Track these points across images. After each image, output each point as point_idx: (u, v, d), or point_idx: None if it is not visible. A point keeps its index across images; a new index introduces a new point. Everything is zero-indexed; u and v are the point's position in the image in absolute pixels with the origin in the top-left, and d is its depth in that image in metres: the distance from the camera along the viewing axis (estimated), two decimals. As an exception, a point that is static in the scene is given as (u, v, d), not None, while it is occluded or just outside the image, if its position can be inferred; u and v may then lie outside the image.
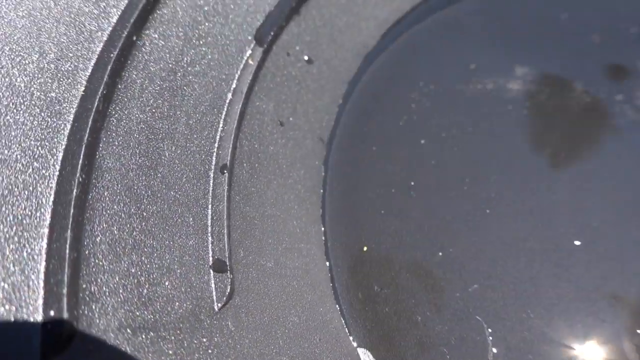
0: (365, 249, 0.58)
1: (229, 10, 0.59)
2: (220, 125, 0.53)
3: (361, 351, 0.52)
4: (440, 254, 0.57)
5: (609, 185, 0.60)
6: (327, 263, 0.57)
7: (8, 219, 0.34)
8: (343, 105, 0.70)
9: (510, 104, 0.67)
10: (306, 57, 0.67)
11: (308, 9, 0.68)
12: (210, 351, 0.40)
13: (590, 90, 0.69)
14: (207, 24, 0.56)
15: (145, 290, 0.39)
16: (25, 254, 0.33)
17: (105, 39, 0.45)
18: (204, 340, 0.40)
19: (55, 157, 0.38)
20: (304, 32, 0.67)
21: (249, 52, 0.59)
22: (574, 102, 0.68)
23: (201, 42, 0.55)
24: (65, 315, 0.32)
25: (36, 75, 0.40)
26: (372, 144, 0.67)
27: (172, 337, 0.38)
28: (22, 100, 0.39)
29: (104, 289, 0.36)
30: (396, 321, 0.53)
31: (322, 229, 0.60)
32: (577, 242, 0.57)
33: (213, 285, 0.43)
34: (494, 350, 0.51)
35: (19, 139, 0.37)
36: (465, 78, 0.71)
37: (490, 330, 0.52)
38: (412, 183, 0.63)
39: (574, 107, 0.68)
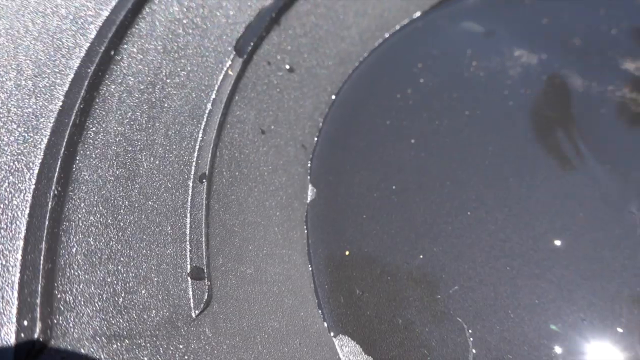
0: (347, 253, 0.59)
1: (208, 22, 0.60)
2: (200, 135, 0.54)
3: (339, 339, 0.53)
4: (421, 256, 0.57)
5: (589, 187, 0.61)
6: (309, 268, 0.58)
7: (-17, 232, 0.35)
8: (325, 112, 0.71)
9: (488, 108, 0.68)
10: (287, 66, 0.68)
11: (288, 19, 0.69)
12: (186, 357, 0.40)
13: (573, 91, 0.69)
14: (186, 36, 0.57)
15: (121, 299, 0.39)
16: (-1, 265, 0.34)
17: (82, 55, 0.47)
18: (181, 347, 0.41)
19: (31, 171, 0.39)
20: (285, 42, 0.68)
21: (229, 62, 0.60)
22: (557, 104, 0.69)
23: (180, 55, 0.56)
24: (39, 324, 0.33)
25: (14, 92, 0.42)
26: (354, 149, 0.68)
27: (148, 345, 0.39)
28: (-2, 117, 0.40)
29: (79, 298, 0.37)
30: (377, 324, 0.54)
31: (305, 234, 0.61)
32: (557, 243, 0.57)
33: (190, 293, 0.44)
34: (474, 351, 0.51)
35: (-5, 154, 0.38)
36: (447, 84, 0.72)
37: (470, 331, 0.52)
38: (394, 187, 0.63)
39: (557, 109, 0.68)
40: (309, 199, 0.64)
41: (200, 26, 0.59)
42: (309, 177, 0.66)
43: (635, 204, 0.59)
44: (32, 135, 0.41)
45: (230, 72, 0.60)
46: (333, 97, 0.73)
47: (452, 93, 0.69)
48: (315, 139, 0.69)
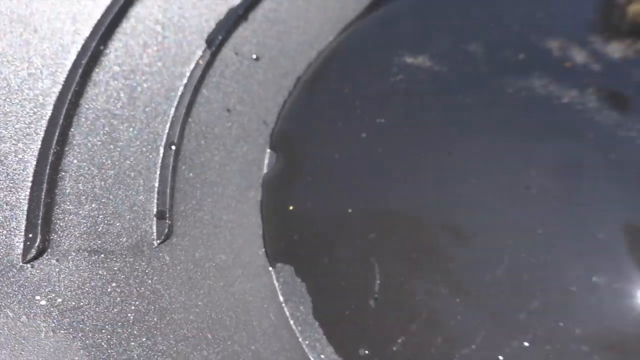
0: (291, 208, 0.73)
1: (183, 20, 0.74)
2: (172, 112, 0.69)
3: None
4: (350, 210, 0.71)
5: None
6: (259, 219, 0.73)
7: (3, 175, 0.51)
8: (286, 95, 0.85)
9: (470, 88, 0.80)
10: (254, 56, 0.82)
11: (255, 15, 0.82)
12: (147, 271, 0.56)
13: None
14: (163, 33, 0.71)
15: (100, 227, 0.55)
16: (14, 198, 0.50)
17: (78, 49, 0.62)
18: (144, 264, 0.56)
19: (38, 135, 0.55)
20: (251, 35, 0.82)
21: (200, 54, 0.74)
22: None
23: (158, 48, 0.70)
24: (39, 237, 0.49)
25: (26, 78, 0.57)
26: (310, 126, 0.81)
27: (119, 260, 0.54)
28: (16, 96, 0.56)
29: (69, 224, 0.53)
30: (310, 262, 0.68)
31: (259, 193, 0.75)
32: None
33: (154, 228, 0.59)
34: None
35: (13, 122, 0.54)
36: (403, 74, 0.84)
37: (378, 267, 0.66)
38: (336, 156, 0.77)
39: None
40: (265, 165, 0.78)
41: (176, 24, 0.73)
42: (267, 148, 0.80)
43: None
44: (39, 109, 0.56)
45: (200, 62, 0.74)
46: (294, 81, 0.86)
47: (410, 84, 0.82)
48: (276, 117, 0.83)
